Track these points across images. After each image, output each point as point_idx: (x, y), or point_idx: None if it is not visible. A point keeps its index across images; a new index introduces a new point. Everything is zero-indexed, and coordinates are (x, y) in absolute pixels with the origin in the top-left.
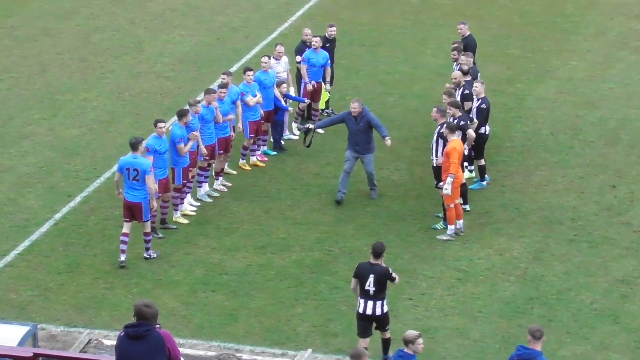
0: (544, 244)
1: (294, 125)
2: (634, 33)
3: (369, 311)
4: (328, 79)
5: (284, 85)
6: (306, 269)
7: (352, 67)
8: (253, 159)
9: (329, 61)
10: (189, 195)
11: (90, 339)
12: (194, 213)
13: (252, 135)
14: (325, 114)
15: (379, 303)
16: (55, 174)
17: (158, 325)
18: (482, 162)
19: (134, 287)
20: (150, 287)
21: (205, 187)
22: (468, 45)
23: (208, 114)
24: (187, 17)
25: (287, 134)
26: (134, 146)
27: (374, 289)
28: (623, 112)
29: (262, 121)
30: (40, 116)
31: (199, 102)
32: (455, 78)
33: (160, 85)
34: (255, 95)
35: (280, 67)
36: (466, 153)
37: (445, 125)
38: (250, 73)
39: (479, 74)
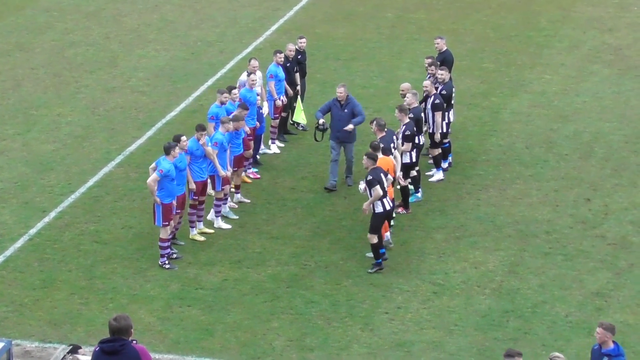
0: (519, 257)
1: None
2: (607, 47)
3: (391, 205)
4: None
5: (258, 98)
6: (282, 283)
7: (327, 81)
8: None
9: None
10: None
11: (65, 355)
12: (212, 231)
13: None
14: (301, 129)
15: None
16: (30, 189)
17: (134, 341)
18: (414, 172)
19: (109, 303)
20: (125, 302)
21: (225, 208)
22: (445, 60)
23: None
24: (162, 32)
25: (263, 149)
26: (165, 150)
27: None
28: (597, 125)
29: (251, 138)
30: (15, 131)
31: (230, 120)
32: (426, 87)
33: (135, 100)
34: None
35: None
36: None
37: (370, 143)
38: (236, 91)
39: (453, 89)
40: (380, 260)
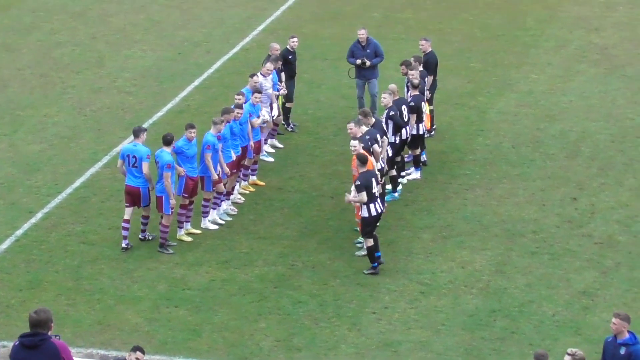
0: (506, 257)
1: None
2: (594, 46)
3: (380, 209)
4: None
5: (258, 95)
6: (269, 283)
7: (314, 81)
8: (253, 178)
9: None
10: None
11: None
12: (199, 232)
13: (255, 155)
14: (290, 130)
15: (379, 199)
16: (16, 190)
17: (58, 336)
18: (393, 172)
19: (96, 304)
20: (112, 303)
21: (213, 214)
22: (429, 62)
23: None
24: (149, 32)
25: (264, 154)
26: (136, 133)
27: (379, 189)
28: (583, 124)
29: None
30: (1, 132)
31: (222, 121)
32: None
33: (121, 100)
34: (259, 116)
35: (268, 83)
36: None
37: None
38: (259, 95)
39: (426, 89)
40: (376, 264)
